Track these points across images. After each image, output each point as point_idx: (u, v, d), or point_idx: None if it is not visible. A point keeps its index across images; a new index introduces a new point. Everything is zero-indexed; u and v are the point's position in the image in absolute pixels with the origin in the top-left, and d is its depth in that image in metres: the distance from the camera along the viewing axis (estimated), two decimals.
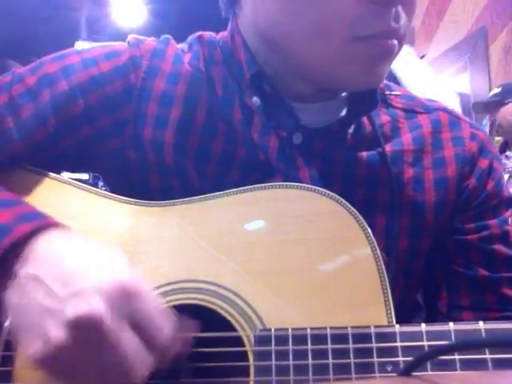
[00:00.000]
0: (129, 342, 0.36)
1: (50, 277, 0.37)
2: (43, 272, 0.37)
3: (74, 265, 0.38)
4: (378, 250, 0.45)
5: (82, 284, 0.36)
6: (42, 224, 0.42)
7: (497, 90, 2.41)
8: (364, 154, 0.56)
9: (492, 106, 2.37)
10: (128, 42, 0.59)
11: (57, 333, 0.34)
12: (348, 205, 0.47)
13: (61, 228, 0.43)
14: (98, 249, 0.40)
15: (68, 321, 0.34)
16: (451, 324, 0.40)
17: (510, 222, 0.58)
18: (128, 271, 0.38)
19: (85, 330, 0.34)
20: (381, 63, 0.50)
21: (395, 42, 0.49)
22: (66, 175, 0.57)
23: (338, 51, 0.48)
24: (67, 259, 0.38)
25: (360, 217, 0.46)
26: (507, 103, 2.32)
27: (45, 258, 0.39)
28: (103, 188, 0.58)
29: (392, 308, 0.43)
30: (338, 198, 0.47)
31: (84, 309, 0.34)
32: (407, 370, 0.33)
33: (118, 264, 0.38)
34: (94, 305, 0.34)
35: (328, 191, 0.48)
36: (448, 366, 0.38)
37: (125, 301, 0.36)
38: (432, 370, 0.38)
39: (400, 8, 0.47)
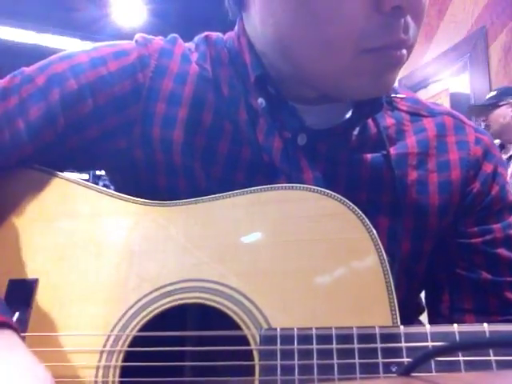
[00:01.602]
0: None
1: None
2: None
3: None
4: (384, 252, 0.45)
5: None
6: None
7: (492, 94, 2.42)
8: (368, 156, 0.56)
9: (487, 108, 2.38)
10: (136, 41, 0.59)
11: None
12: (354, 206, 0.47)
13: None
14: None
15: None
16: (456, 325, 0.40)
17: None
18: None
19: None
20: (389, 73, 0.50)
21: (404, 51, 0.48)
22: (66, 175, 0.57)
23: (347, 63, 0.48)
24: None
25: (366, 219, 0.46)
26: (501, 105, 2.34)
27: None
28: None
29: (397, 310, 0.43)
30: (344, 199, 0.47)
31: None
32: (407, 370, 0.34)
33: None
34: None
35: (334, 193, 0.48)
36: (452, 367, 0.38)
37: None
38: (437, 371, 0.38)
39: (409, 18, 0.47)
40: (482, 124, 2.41)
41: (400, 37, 0.47)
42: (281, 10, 0.48)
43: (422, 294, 0.64)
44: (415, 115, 0.60)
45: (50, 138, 0.54)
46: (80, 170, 0.66)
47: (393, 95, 0.61)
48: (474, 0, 2.87)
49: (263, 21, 0.52)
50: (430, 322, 0.60)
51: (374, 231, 0.46)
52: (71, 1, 3.88)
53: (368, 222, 0.46)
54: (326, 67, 0.49)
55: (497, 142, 2.38)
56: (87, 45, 0.60)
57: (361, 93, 0.52)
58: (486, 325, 0.39)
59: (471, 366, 0.39)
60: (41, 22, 4.14)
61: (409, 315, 0.57)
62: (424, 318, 0.63)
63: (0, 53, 3.95)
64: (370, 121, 0.58)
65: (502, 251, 0.56)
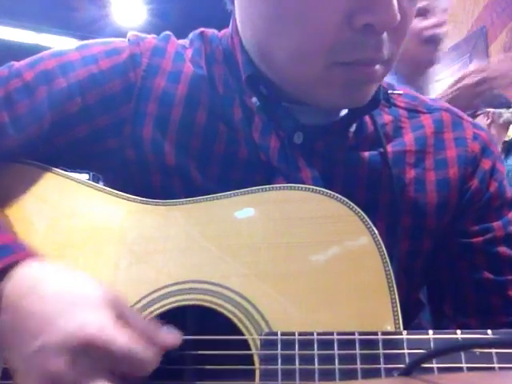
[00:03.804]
0: None
1: (21, 327, 0.38)
2: (14, 323, 0.39)
3: (39, 315, 0.38)
4: (386, 253, 0.45)
5: (44, 341, 0.37)
6: (13, 261, 0.42)
7: None
8: (366, 154, 0.56)
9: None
10: (128, 40, 0.59)
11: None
12: (356, 208, 0.46)
13: (32, 261, 0.43)
14: (69, 288, 0.40)
15: (36, 378, 0.36)
16: (458, 331, 0.40)
17: None
18: (96, 317, 0.38)
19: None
20: (361, 87, 0.50)
21: (377, 67, 0.48)
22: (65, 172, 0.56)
23: (318, 74, 0.48)
24: (35, 307, 0.39)
25: (368, 220, 0.46)
26: (478, 115, 2.33)
27: (15, 307, 0.40)
28: None
29: (399, 313, 0.42)
30: (347, 201, 0.47)
31: (44, 370, 0.36)
32: (408, 371, 0.33)
33: (85, 313, 0.38)
34: (53, 365, 0.36)
35: (336, 194, 0.47)
36: (455, 371, 0.38)
37: (90, 352, 0.36)
38: (438, 373, 0.38)
39: (385, 35, 0.46)
40: None
41: (370, 54, 0.46)
42: (256, 16, 0.49)
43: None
44: (413, 111, 0.60)
45: (35, 134, 0.54)
46: (72, 169, 0.65)
47: (390, 91, 0.60)
48: (473, 0, 2.87)
49: (243, 23, 0.53)
50: (434, 323, 0.60)
51: (377, 233, 0.45)
52: (71, 1, 3.88)
53: (371, 224, 0.46)
54: (298, 75, 0.50)
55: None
56: (87, 42, 0.59)
57: (332, 103, 0.52)
58: (489, 331, 0.39)
59: (473, 369, 0.38)
60: (40, 21, 4.14)
61: (410, 312, 0.56)
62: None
63: (0, 53, 3.95)
64: (367, 118, 0.57)
65: (503, 250, 0.56)
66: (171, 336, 0.41)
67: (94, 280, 0.42)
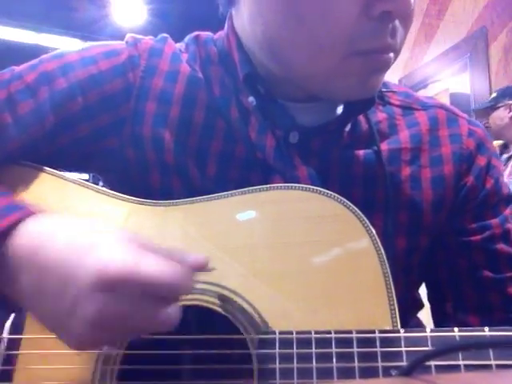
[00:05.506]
0: (138, 317, 0.37)
1: (45, 286, 0.38)
2: (36, 283, 0.39)
3: (58, 267, 0.38)
4: (383, 252, 0.45)
5: (73, 294, 0.37)
6: (25, 214, 0.42)
7: (493, 95, 2.44)
8: (361, 152, 0.56)
9: (486, 111, 2.39)
10: (126, 42, 0.60)
11: (76, 331, 0.37)
12: (353, 206, 0.46)
13: (36, 216, 0.43)
14: (81, 231, 0.40)
15: (84, 329, 0.37)
16: (456, 329, 0.40)
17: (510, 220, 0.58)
18: (117, 254, 0.37)
19: (99, 326, 0.37)
20: (377, 76, 0.50)
21: (391, 55, 0.49)
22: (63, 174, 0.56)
23: (335, 65, 0.48)
24: (51, 261, 0.39)
25: (366, 220, 0.46)
26: (499, 107, 2.34)
27: (31, 265, 0.39)
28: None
29: (397, 312, 0.43)
30: (344, 200, 0.47)
31: (86, 317, 0.36)
32: (408, 371, 0.33)
33: (105, 250, 0.38)
34: (92, 310, 0.36)
35: (333, 193, 0.47)
36: (453, 369, 0.38)
37: (122, 288, 0.36)
38: (437, 373, 0.38)
39: (397, 22, 0.47)
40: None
41: (387, 41, 0.47)
42: (269, 10, 0.48)
43: (420, 290, 0.64)
44: (407, 109, 0.60)
45: (37, 134, 0.54)
46: (72, 170, 0.65)
47: (384, 90, 0.60)
48: (473, 0, 2.86)
49: (252, 19, 0.52)
50: (435, 321, 0.60)
51: (374, 232, 0.46)
52: (71, 1, 3.89)
53: (368, 224, 0.46)
54: (314, 68, 0.49)
55: (500, 142, 2.38)
56: (86, 45, 0.60)
57: (348, 94, 0.52)
58: (487, 328, 0.39)
59: (471, 368, 0.38)
60: (41, 21, 4.14)
61: (407, 311, 0.56)
62: (421, 314, 0.63)
63: (0, 53, 3.95)
64: (361, 117, 0.58)
65: (502, 247, 0.56)
66: (197, 257, 0.41)
67: (106, 223, 0.42)
